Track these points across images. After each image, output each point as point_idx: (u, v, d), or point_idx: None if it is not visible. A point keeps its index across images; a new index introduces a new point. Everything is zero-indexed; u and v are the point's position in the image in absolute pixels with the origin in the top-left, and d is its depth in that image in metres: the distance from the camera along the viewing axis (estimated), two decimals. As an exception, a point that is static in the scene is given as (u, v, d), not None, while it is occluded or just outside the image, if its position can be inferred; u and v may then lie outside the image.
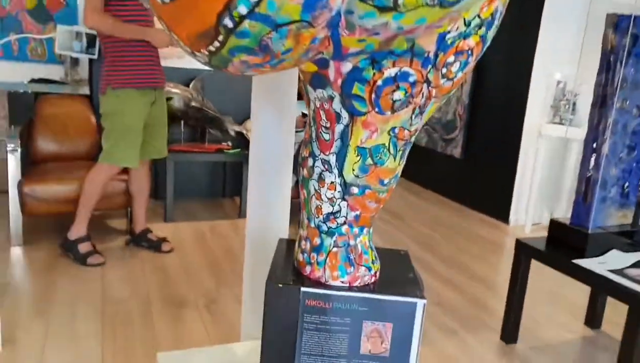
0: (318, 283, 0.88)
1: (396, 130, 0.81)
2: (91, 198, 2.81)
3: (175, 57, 3.83)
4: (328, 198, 0.88)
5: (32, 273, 2.68)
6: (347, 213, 0.88)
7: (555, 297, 2.90)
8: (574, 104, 3.94)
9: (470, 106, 4.73)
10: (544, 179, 4.25)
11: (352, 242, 0.90)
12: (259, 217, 1.26)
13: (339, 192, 0.87)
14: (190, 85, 3.73)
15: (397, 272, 0.99)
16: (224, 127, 3.68)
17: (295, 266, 0.95)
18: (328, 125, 0.83)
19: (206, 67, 3.98)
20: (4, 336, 2.02)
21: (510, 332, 2.34)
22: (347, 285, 0.90)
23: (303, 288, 0.86)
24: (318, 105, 0.82)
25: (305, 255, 0.92)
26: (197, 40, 0.56)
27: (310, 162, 0.88)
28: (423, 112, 0.81)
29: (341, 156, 0.83)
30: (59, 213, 2.93)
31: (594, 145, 2.04)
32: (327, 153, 0.85)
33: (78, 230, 2.83)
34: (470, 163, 4.76)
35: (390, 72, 0.73)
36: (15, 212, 2.92)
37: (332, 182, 0.86)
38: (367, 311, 0.87)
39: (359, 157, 0.83)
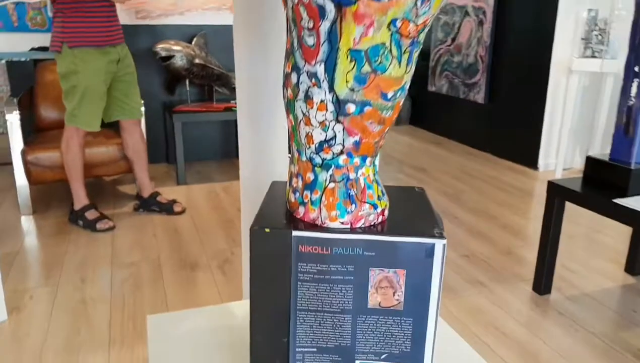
0: (313, 226, 0.73)
1: (398, 24, 0.63)
2: (74, 167, 2.69)
3: (177, 14, 3.64)
4: (319, 122, 0.71)
5: (41, 241, 2.61)
6: (343, 140, 0.72)
7: (591, 243, 2.72)
8: (608, 34, 3.64)
9: (492, 46, 4.45)
10: (575, 119, 3.99)
11: (352, 176, 0.74)
12: (252, 163, 1.11)
13: (331, 112, 0.70)
14: (193, 42, 3.55)
15: (411, 211, 0.83)
16: (231, 84, 3.50)
17: (287, 209, 0.80)
18: (311, 25, 0.66)
19: (209, 23, 3.79)
20: (11, 304, 1.95)
21: (543, 282, 2.18)
22: (349, 226, 0.75)
23: (295, 232, 0.72)
24: (296, 1, 0.65)
25: (297, 194, 0.77)
26: None
27: (294, 78, 0.71)
28: (431, -5, 0.63)
29: (330, 64, 0.67)
30: (66, 180, 2.83)
31: (636, 68, 1.82)
32: (313, 63, 0.68)
33: (79, 200, 2.75)
34: (494, 108, 4.51)
35: (383, -64, 0.56)
36: (21, 181, 2.85)
37: (322, 101, 0.70)
38: (374, 256, 0.72)
39: (352, 63, 0.66)
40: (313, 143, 0.72)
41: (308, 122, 0.71)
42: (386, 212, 0.78)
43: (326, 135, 0.71)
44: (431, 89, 5.36)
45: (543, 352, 1.81)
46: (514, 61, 4.25)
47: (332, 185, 0.73)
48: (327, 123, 0.70)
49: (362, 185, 0.74)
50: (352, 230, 0.72)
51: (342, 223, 0.73)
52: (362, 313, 0.73)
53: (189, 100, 3.75)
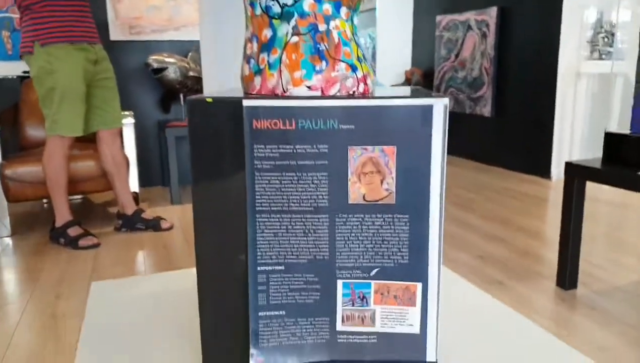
0: (272, 97, 0.56)
1: None
2: (57, 179, 2.47)
3: (172, 29, 3.57)
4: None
5: (17, 259, 2.43)
6: (307, -27, 0.56)
7: (613, 241, 2.51)
8: (613, 35, 3.52)
9: (497, 58, 4.34)
10: (586, 124, 3.82)
11: (321, 27, 0.57)
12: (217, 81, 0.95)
13: None
14: (188, 56, 3.45)
15: (402, 91, 0.66)
16: (227, 98, 3.38)
17: (243, 91, 0.63)
18: None
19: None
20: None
21: (568, 276, 1.97)
22: (319, 92, 0.57)
23: (246, 102, 0.54)
24: None
25: (252, 62, 0.60)
26: None
27: None
28: None
29: None
30: (46, 197, 2.66)
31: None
32: None
33: (62, 216, 2.53)
34: (502, 120, 4.36)
35: None
36: (-1, 200, 2.69)
37: None
38: (353, 131, 0.55)
39: None
40: (268, -18, 0.55)
41: (259, -51, 0.55)
42: (370, 83, 0.60)
43: (283, -35, 0.54)
44: (435, 108, 5.21)
45: (575, 344, 1.59)
46: (520, 71, 4.12)
47: (295, 39, 0.56)
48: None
49: (336, 39, 0.57)
50: (324, 97, 0.54)
51: (310, 87, 0.56)
52: (341, 212, 0.55)
53: (183, 117, 3.62)
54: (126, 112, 2.97)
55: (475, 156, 4.72)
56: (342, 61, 0.56)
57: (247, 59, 0.59)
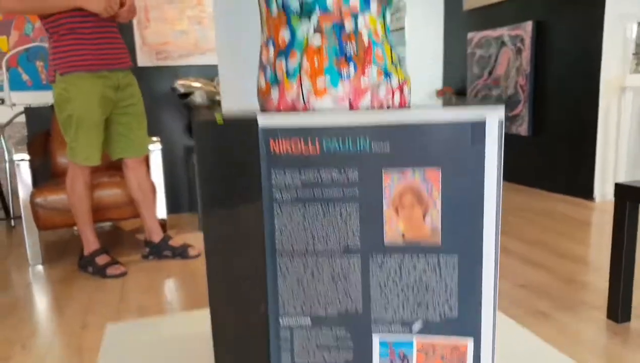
0: (292, 114, 0.46)
1: None
2: (81, 208, 2.45)
3: (198, 54, 3.56)
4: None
5: (45, 289, 2.39)
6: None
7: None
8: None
9: (533, 74, 4.18)
10: (632, 140, 3.62)
11: (348, 26, 0.48)
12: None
13: None
14: (215, 80, 3.41)
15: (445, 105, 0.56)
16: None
17: (260, 106, 0.54)
18: None
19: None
20: (-2, 356, 1.71)
21: (620, 307, 1.80)
22: (346, 103, 0.48)
23: (263, 119, 0.45)
24: None
25: (269, 71, 0.51)
26: None
27: None
28: None
29: None
30: (74, 225, 2.62)
31: None
32: None
33: (89, 245, 2.50)
34: (540, 139, 4.18)
35: None
36: (30, 229, 2.66)
37: None
38: (388, 153, 0.45)
39: None
40: (285, -23, 0.47)
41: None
42: (407, 92, 0.50)
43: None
44: (469, 127, 5.07)
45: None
46: (559, 87, 3.96)
47: (317, 39, 0.47)
48: None
49: (366, 40, 0.47)
50: (353, 111, 0.45)
51: (336, 98, 0.47)
52: (376, 253, 0.45)
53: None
54: (153, 138, 2.93)
55: (512, 177, 4.54)
56: (374, 65, 0.47)
57: (262, 67, 0.50)
